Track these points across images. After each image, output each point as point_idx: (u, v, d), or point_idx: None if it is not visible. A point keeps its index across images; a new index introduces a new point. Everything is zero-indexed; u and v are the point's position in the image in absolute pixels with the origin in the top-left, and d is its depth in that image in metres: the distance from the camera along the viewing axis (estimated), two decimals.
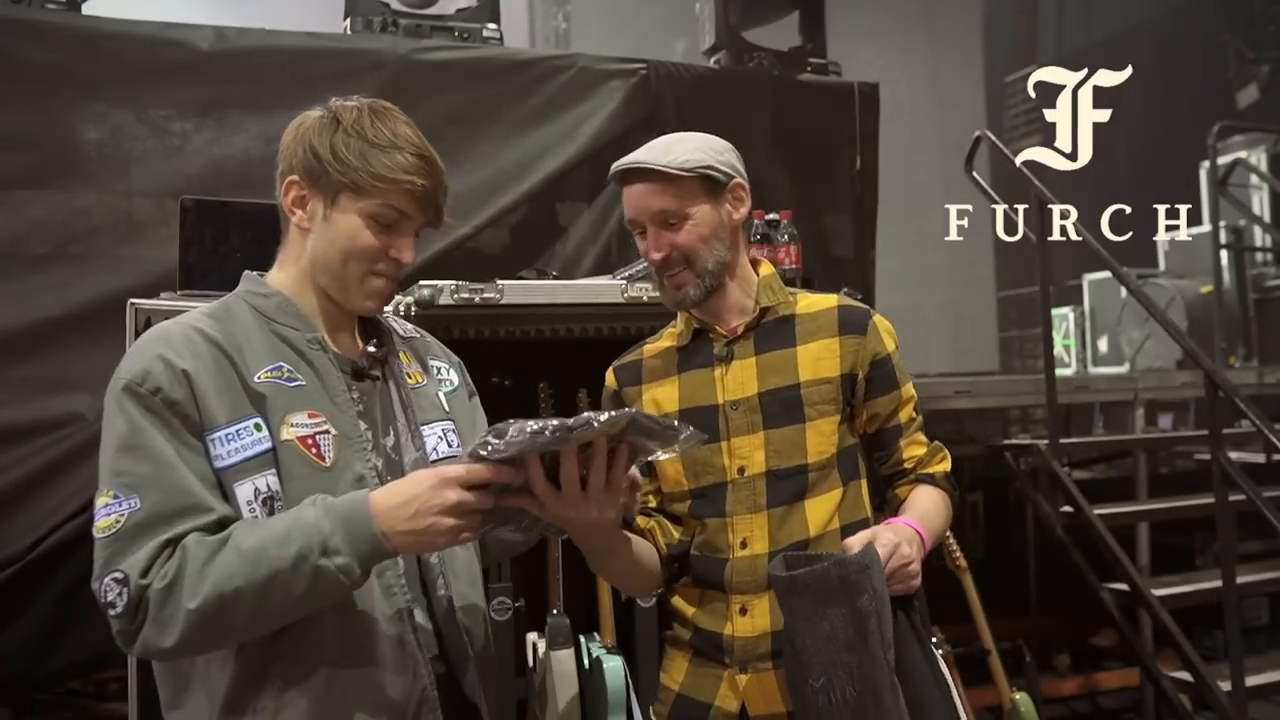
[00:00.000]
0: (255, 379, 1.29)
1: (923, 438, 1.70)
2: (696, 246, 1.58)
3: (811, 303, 1.68)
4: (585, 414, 1.18)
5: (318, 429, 1.30)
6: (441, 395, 1.50)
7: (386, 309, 1.56)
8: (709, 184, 1.59)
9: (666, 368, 1.69)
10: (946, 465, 1.71)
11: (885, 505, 1.71)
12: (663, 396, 1.67)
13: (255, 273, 1.42)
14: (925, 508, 1.63)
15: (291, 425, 1.28)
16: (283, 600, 1.19)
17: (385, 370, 1.43)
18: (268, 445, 1.27)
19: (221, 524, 1.22)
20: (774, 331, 1.65)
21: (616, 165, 1.61)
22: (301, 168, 1.34)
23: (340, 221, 1.33)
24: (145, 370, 1.25)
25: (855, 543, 1.44)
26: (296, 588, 1.18)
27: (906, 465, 1.68)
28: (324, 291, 1.38)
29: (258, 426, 1.27)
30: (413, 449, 1.39)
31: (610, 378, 1.74)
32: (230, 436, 1.25)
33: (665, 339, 1.73)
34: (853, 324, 1.65)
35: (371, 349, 1.43)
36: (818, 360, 1.62)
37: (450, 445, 1.45)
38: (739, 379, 1.62)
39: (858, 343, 1.63)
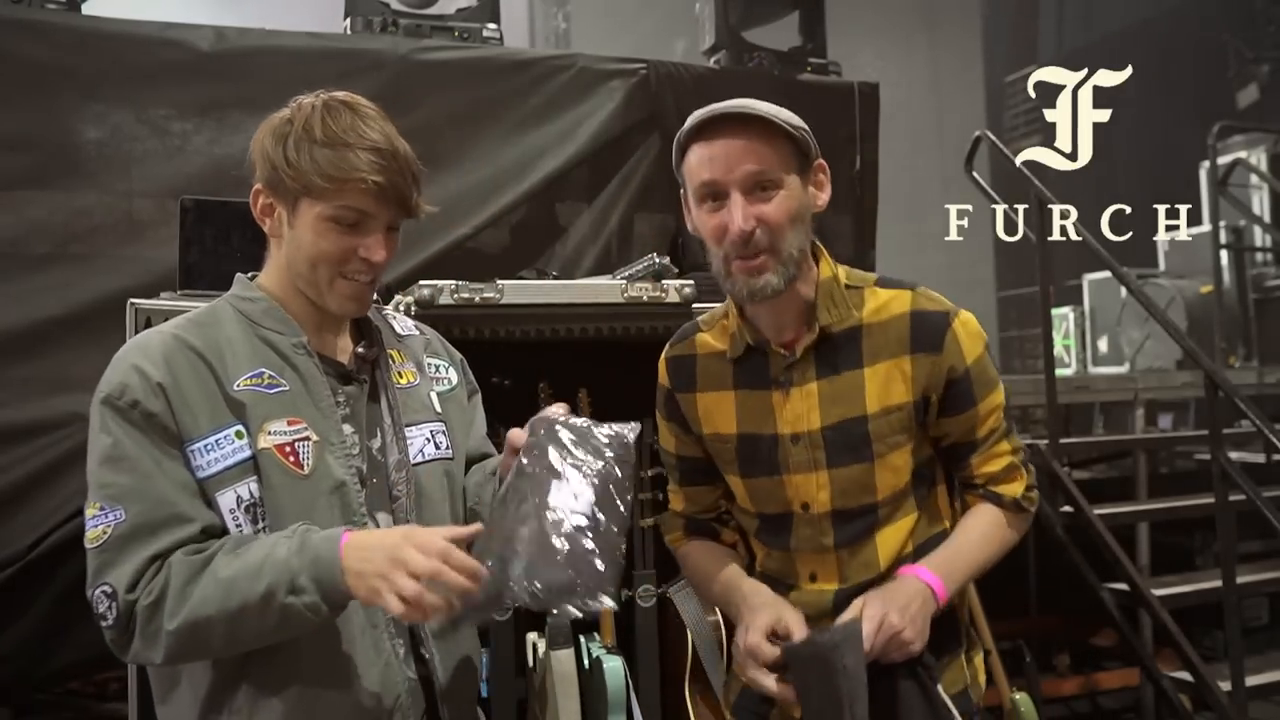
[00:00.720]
0: (235, 387, 1.28)
1: (1004, 448, 1.50)
2: (785, 225, 1.36)
3: (881, 306, 1.45)
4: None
5: (297, 436, 1.29)
6: (434, 395, 1.48)
7: (387, 307, 1.56)
8: (801, 155, 1.39)
9: (720, 379, 1.51)
10: (1018, 488, 1.51)
11: (962, 505, 1.59)
12: (719, 413, 1.51)
13: (247, 275, 1.42)
14: (967, 540, 1.50)
15: (269, 433, 1.27)
16: (256, 629, 1.19)
17: (374, 372, 1.42)
18: (248, 454, 1.26)
19: (206, 533, 1.23)
20: (837, 349, 1.44)
21: (708, 110, 1.37)
22: (262, 177, 1.33)
23: (303, 228, 1.30)
24: (123, 384, 1.25)
25: (850, 612, 1.39)
26: (266, 621, 1.18)
27: (978, 481, 1.52)
28: (307, 295, 1.36)
29: (239, 434, 1.26)
30: (396, 451, 1.38)
31: (663, 373, 1.59)
32: (210, 446, 1.25)
33: (716, 335, 1.54)
34: (927, 339, 1.43)
35: (360, 350, 1.41)
36: (887, 385, 1.43)
37: (438, 447, 1.44)
38: (799, 410, 1.45)
39: (932, 362, 1.43)
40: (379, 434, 1.39)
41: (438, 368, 1.52)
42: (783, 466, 1.47)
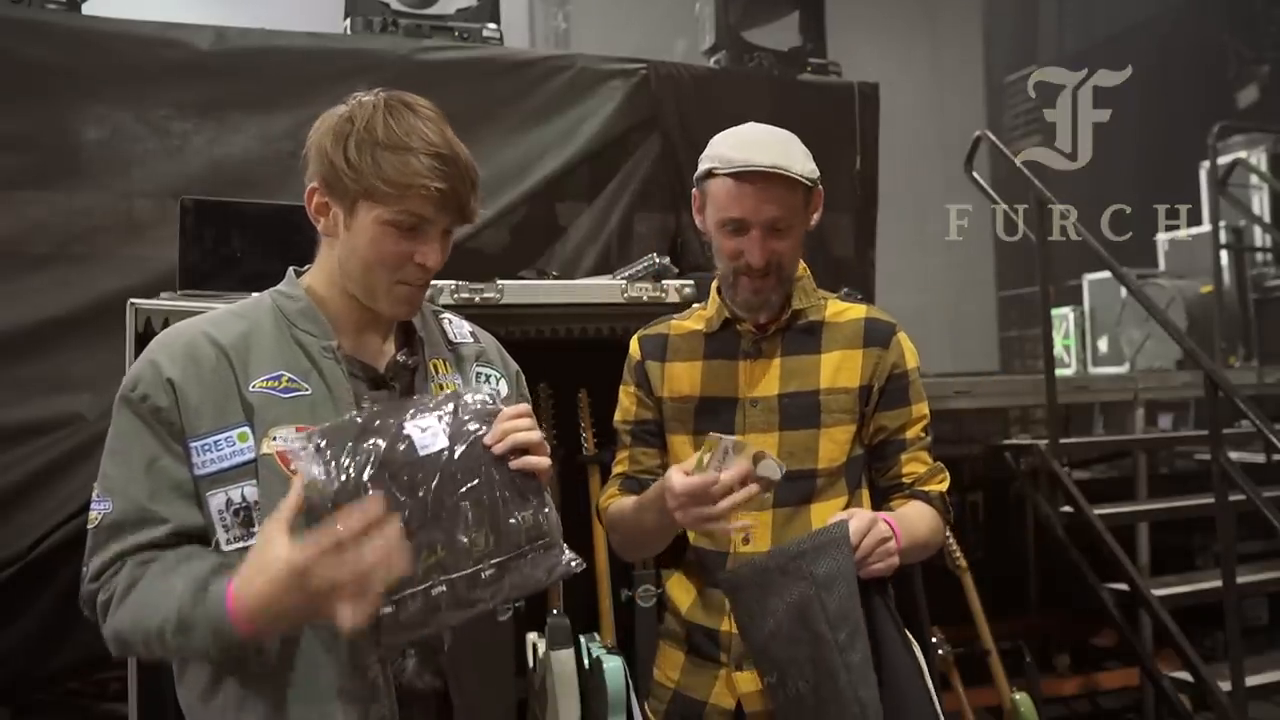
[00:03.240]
0: (250, 388, 1.28)
1: (927, 457, 1.68)
2: (792, 259, 1.59)
3: (840, 311, 1.68)
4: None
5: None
6: None
7: (446, 312, 1.54)
8: (809, 194, 1.58)
9: (692, 350, 1.69)
10: (943, 486, 1.69)
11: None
12: (684, 378, 1.68)
13: (297, 269, 1.41)
14: (908, 514, 1.61)
15: (274, 439, 1.26)
16: (163, 652, 1.21)
17: (412, 379, 1.39)
18: (249, 456, 1.25)
19: (177, 534, 1.24)
20: (802, 335, 1.65)
21: (747, 159, 1.51)
22: (320, 175, 1.31)
23: (360, 230, 1.29)
24: (137, 377, 1.27)
25: (836, 519, 1.45)
26: (168, 649, 1.20)
27: (905, 480, 1.67)
28: (353, 296, 1.35)
29: (242, 436, 1.26)
30: None
31: (635, 347, 1.74)
32: (208, 446, 1.25)
33: (693, 321, 1.72)
34: (877, 337, 1.65)
35: (401, 358, 1.39)
36: (839, 369, 1.63)
37: None
38: (762, 377, 1.63)
39: (879, 355, 1.64)
40: None
41: (488, 378, 1.48)
42: (738, 428, 1.62)
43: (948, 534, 3.16)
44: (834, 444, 1.61)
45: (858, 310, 1.68)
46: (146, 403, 1.25)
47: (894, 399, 1.65)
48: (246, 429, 1.26)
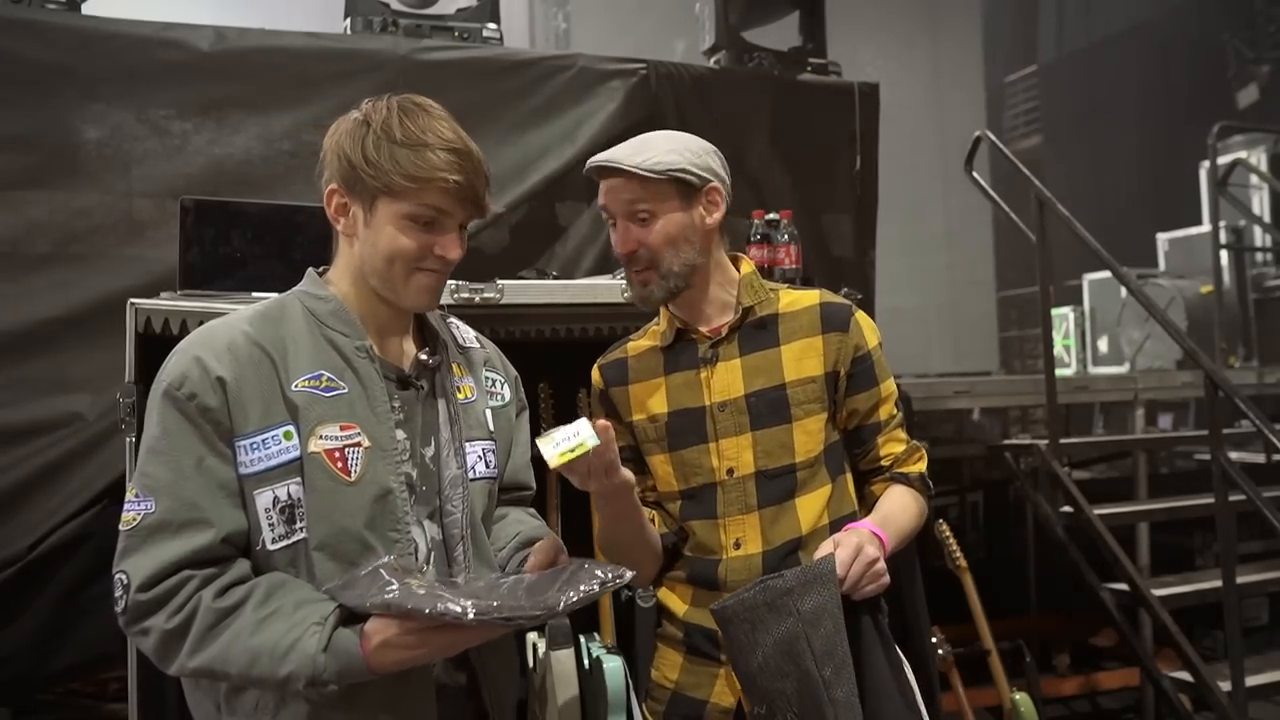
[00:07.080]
0: (293, 387, 1.29)
1: (902, 435, 1.70)
2: (662, 248, 1.59)
3: (793, 300, 1.68)
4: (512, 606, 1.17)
5: (348, 441, 1.30)
6: (488, 412, 1.50)
7: (453, 317, 1.57)
8: (681, 187, 1.59)
9: (653, 369, 1.69)
10: (922, 466, 1.70)
11: (863, 501, 1.71)
12: (650, 398, 1.68)
13: (317, 270, 1.43)
14: (892, 509, 1.63)
15: (321, 438, 1.28)
16: (266, 687, 1.24)
17: (435, 381, 1.43)
18: (295, 455, 1.27)
19: (227, 540, 1.24)
20: (757, 331, 1.65)
21: (591, 162, 1.61)
22: (338, 175, 1.35)
23: (380, 226, 1.33)
24: (184, 375, 1.27)
25: (823, 551, 1.44)
26: (281, 691, 1.22)
27: (884, 462, 1.69)
28: (377, 295, 1.38)
29: (287, 435, 1.28)
30: (454, 465, 1.40)
31: (596, 376, 1.75)
32: (256, 445, 1.26)
33: (648, 338, 1.73)
34: (835, 321, 1.65)
35: (424, 357, 1.42)
36: (801, 359, 1.63)
37: (488, 465, 1.46)
38: (725, 381, 1.63)
39: (840, 339, 1.64)
40: (433, 443, 1.40)
41: (493, 382, 1.54)
42: (710, 435, 1.62)
43: (947, 533, 3.17)
44: (808, 435, 1.61)
45: (810, 297, 1.68)
46: (195, 401, 1.25)
47: (862, 381, 1.66)
48: (291, 428, 1.28)
